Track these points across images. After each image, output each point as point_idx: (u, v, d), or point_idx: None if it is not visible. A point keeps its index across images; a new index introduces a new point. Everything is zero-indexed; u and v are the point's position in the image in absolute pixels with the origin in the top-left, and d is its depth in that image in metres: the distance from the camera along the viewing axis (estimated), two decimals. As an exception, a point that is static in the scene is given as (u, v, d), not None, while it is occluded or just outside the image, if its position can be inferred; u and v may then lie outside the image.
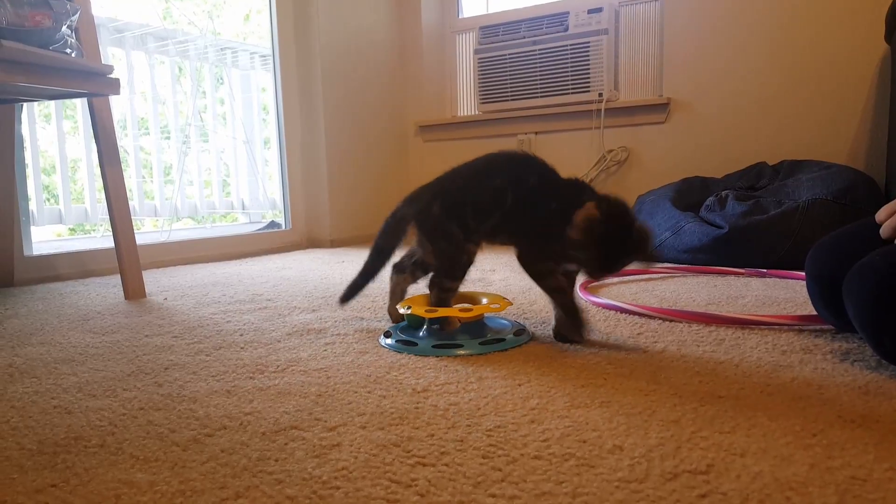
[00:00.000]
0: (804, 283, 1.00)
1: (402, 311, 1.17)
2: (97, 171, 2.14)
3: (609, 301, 1.40)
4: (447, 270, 1.14)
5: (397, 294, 1.27)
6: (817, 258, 1.03)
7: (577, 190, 1.08)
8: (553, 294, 1.10)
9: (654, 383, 0.88)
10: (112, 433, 0.75)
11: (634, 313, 1.33)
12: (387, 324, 1.28)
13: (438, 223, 1.12)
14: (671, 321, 1.26)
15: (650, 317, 1.30)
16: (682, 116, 2.69)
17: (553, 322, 1.14)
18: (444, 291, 1.14)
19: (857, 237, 0.98)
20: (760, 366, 0.95)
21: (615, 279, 1.81)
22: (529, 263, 1.12)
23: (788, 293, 1.52)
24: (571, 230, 0.98)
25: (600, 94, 2.81)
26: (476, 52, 3.08)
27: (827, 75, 2.40)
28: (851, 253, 0.95)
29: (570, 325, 1.10)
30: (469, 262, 1.14)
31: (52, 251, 2.12)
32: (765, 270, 1.80)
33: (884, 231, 0.92)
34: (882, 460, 0.63)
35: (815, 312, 1.10)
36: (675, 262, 2.06)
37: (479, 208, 1.10)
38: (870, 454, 0.64)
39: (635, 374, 0.92)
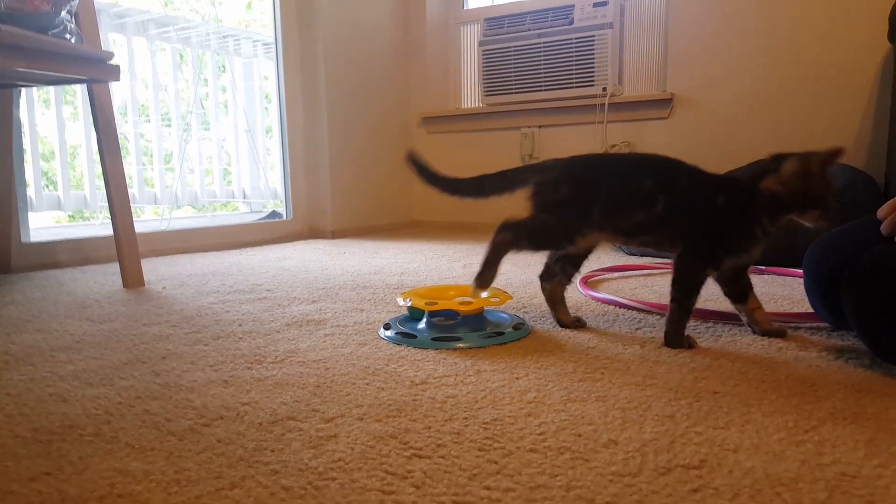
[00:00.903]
0: (801, 280, 1.00)
1: (401, 303, 1.17)
2: (97, 157, 2.14)
3: (608, 296, 1.41)
4: (536, 238, 1.13)
5: (557, 301, 1.21)
6: (815, 256, 1.03)
7: (739, 179, 1.09)
8: (685, 311, 1.08)
9: (651, 378, 0.88)
10: (108, 422, 0.75)
11: (633, 308, 1.33)
12: (387, 316, 1.29)
13: (559, 202, 1.11)
14: (669, 316, 1.26)
15: (649, 312, 1.30)
16: (685, 112, 2.69)
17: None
18: (513, 245, 1.12)
19: (856, 235, 0.98)
20: (756, 362, 0.95)
21: (615, 274, 1.81)
22: (687, 270, 1.08)
23: (786, 290, 1.52)
24: (782, 176, 1.00)
25: (604, 89, 2.81)
26: (481, 43, 3.07)
27: (830, 74, 2.39)
28: (850, 251, 0.95)
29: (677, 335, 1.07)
30: (563, 247, 1.15)
31: (50, 238, 2.12)
32: (763, 267, 1.80)
33: (884, 228, 0.92)
34: (872, 457, 0.63)
35: (811, 310, 1.10)
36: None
37: (615, 205, 1.08)
38: (860, 451, 0.64)
39: (632, 369, 0.93)
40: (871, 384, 0.84)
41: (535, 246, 1.14)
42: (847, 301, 0.91)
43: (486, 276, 1.12)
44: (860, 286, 0.90)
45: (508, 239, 1.12)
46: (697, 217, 1.06)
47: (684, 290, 1.06)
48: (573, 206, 1.10)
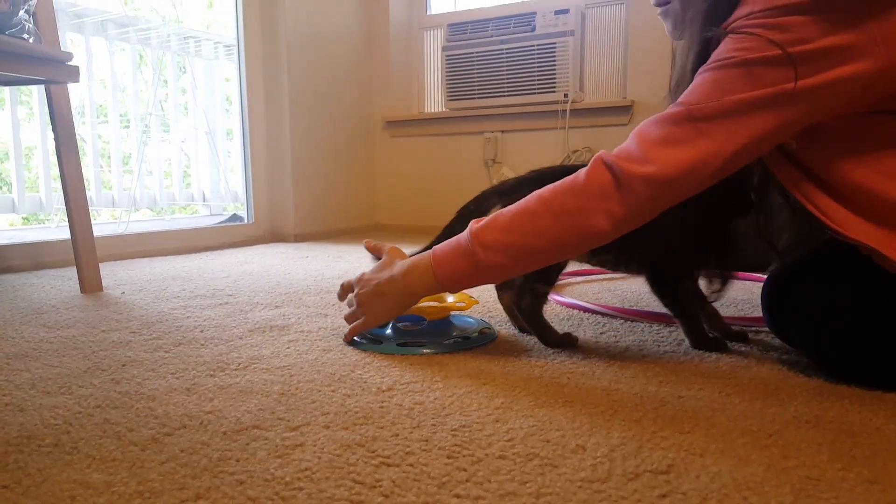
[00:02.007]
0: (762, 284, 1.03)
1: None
2: (53, 159, 2.08)
3: (572, 300, 1.42)
4: (543, 274, 1.08)
5: (515, 311, 1.18)
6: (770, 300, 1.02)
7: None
8: (689, 318, 1.10)
9: (617, 383, 0.89)
10: (67, 432, 0.73)
11: (597, 313, 1.35)
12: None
13: None
14: (633, 321, 1.27)
15: (612, 316, 1.31)
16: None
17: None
18: (537, 298, 1.10)
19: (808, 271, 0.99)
20: (719, 366, 0.97)
21: (579, 278, 1.82)
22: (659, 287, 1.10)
23: (747, 295, 1.55)
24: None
25: (566, 95, 2.84)
26: (444, 49, 3.08)
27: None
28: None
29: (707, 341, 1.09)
30: (564, 265, 1.10)
31: (4, 241, 2.06)
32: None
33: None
34: (835, 460, 0.64)
35: None
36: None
37: None
38: (823, 454, 0.66)
39: (598, 374, 0.93)
40: (832, 388, 0.86)
41: (548, 282, 1.10)
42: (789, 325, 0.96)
43: (552, 336, 1.10)
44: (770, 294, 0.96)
45: (525, 301, 1.10)
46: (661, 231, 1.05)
47: (671, 304, 1.09)
48: None
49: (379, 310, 1.05)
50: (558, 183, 0.90)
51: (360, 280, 1.07)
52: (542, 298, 1.11)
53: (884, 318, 0.83)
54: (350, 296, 1.09)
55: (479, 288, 1.64)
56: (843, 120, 0.83)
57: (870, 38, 0.75)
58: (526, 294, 1.10)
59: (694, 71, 0.87)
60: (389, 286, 1.02)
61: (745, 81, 0.79)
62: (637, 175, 0.84)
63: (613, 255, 1.11)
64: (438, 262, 0.96)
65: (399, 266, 1.02)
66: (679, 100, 0.85)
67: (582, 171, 0.89)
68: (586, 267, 1.79)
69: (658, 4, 1.00)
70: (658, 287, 1.10)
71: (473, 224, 0.95)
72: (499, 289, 1.21)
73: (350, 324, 1.10)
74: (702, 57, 0.86)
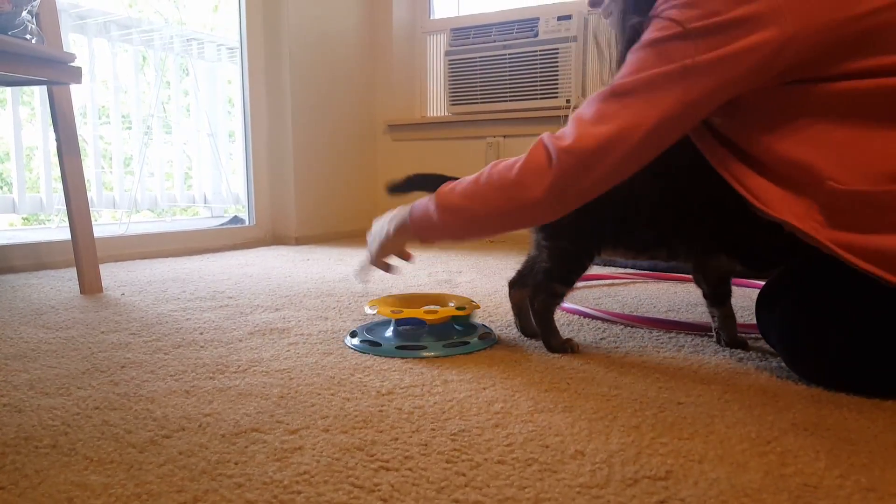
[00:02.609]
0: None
1: (368, 311, 1.16)
2: (54, 159, 2.08)
3: (573, 306, 1.42)
4: (563, 274, 1.09)
5: (524, 310, 1.19)
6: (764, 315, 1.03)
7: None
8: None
9: (616, 388, 0.89)
10: (65, 433, 0.73)
11: (597, 318, 1.34)
12: (352, 324, 1.28)
13: (569, 222, 1.04)
14: (633, 327, 1.27)
15: (612, 322, 1.31)
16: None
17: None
18: (553, 297, 1.10)
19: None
20: (718, 372, 0.97)
21: (579, 284, 1.82)
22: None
23: (746, 301, 1.55)
24: None
25: (568, 101, 2.84)
26: (447, 53, 3.08)
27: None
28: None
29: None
30: (586, 267, 1.11)
31: (4, 241, 2.06)
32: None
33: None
34: (833, 467, 0.64)
35: None
36: (637, 269, 2.09)
37: (627, 220, 1.08)
38: (821, 462, 0.66)
39: (597, 380, 0.93)
40: (830, 395, 0.86)
41: (567, 283, 1.11)
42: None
43: (556, 341, 1.10)
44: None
45: (540, 299, 1.10)
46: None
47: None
48: (584, 223, 1.07)
49: (373, 244, 1.13)
50: (509, 160, 0.97)
51: (373, 222, 1.15)
52: (558, 300, 1.11)
53: (875, 327, 0.84)
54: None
55: (480, 293, 1.64)
56: (763, 92, 0.86)
57: (775, 8, 0.78)
58: (542, 292, 1.10)
59: (623, 58, 0.92)
60: (378, 224, 1.13)
61: (656, 58, 0.84)
62: (562, 148, 0.89)
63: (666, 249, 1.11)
64: (414, 211, 1.06)
65: (395, 212, 1.10)
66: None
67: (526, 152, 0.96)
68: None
69: (592, 6, 1.08)
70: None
71: (444, 186, 1.03)
72: (511, 286, 1.21)
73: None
74: (630, 45, 0.91)
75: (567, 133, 0.91)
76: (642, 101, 0.85)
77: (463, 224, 1.01)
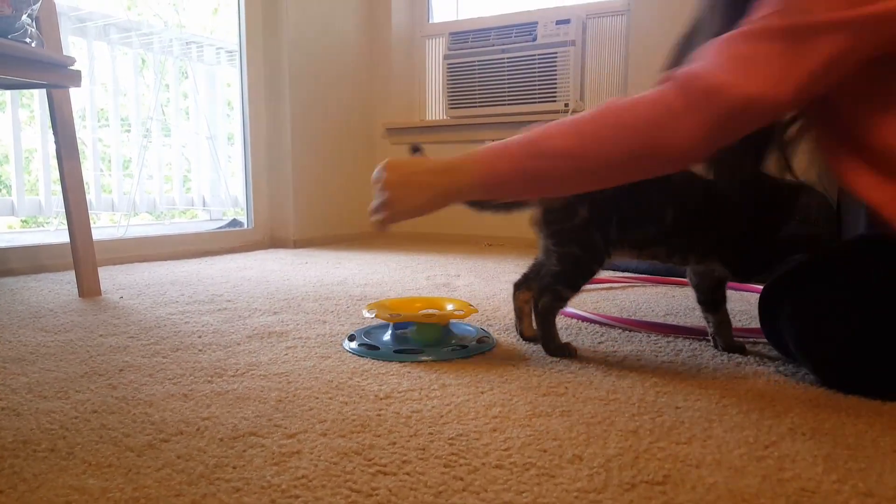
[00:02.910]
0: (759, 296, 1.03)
1: (367, 315, 1.16)
2: (53, 162, 2.08)
3: (571, 310, 1.42)
4: (570, 279, 1.09)
5: (525, 313, 1.18)
6: (766, 308, 1.02)
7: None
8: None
9: (614, 393, 0.89)
10: (63, 437, 0.73)
11: (595, 322, 1.35)
12: (351, 328, 1.28)
13: (580, 227, 1.05)
14: (630, 330, 1.27)
15: (611, 326, 1.32)
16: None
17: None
18: (558, 300, 1.09)
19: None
20: (716, 377, 0.97)
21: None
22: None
23: (743, 305, 1.56)
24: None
25: (566, 105, 2.84)
26: (445, 57, 3.09)
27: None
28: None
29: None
30: (594, 273, 1.10)
31: (2, 244, 2.06)
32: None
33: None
34: (830, 472, 0.64)
35: None
36: (635, 273, 2.09)
37: (629, 219, 1.07)
38: (819, 466, 0.66)
39: (595, 384, 0.93)
40: (828, 399, 0.86)
41: (574, 288, 1.10)
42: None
43: (555, 344, 1.10)
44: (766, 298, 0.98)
45: (545, 300, 1.09)
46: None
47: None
48: (593, 230, 1.06)
49: (409, 201, 0.94)
50: (622, 100, 0.88)
51: (389, 165, 0.96)
52: (562, 303, 1.11)
53: (880, 322, 0.84)
54: (376, 183, 0.97)
55: (478, 297, 1.64)
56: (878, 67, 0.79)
57: None
58: (548, 294, 1.09)
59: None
60: (428, 177, 0.94)
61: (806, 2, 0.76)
62: (708, 88, 0.82)
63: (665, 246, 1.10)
64: (484, 163, 0.91)
65: (437, 162, 0.94)
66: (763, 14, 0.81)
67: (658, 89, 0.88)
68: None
69: None
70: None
71: (527, 131, 0.91)
72: (516, 287, 1.21)
73: (375, 215, 0.98)
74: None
75: (710, 71, 0.83)
76: (791, 52, 0.77)
77: (567, 171, 0.87)
